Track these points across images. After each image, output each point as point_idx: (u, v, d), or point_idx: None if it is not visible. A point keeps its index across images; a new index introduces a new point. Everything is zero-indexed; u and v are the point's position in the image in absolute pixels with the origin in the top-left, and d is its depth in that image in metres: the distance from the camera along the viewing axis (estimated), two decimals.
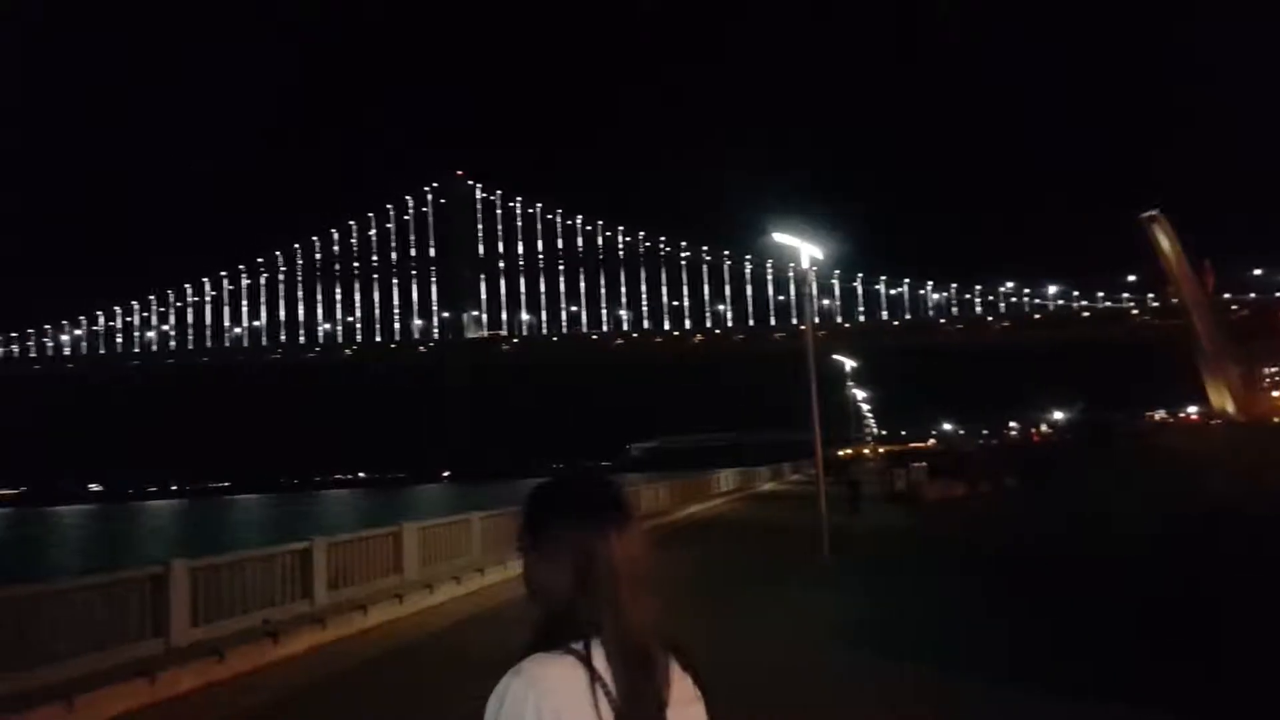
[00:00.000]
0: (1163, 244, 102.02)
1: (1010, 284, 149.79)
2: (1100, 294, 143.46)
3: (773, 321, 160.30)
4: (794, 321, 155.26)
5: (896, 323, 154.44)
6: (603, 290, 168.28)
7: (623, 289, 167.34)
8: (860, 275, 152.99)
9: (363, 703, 8.34)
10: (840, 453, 69.73)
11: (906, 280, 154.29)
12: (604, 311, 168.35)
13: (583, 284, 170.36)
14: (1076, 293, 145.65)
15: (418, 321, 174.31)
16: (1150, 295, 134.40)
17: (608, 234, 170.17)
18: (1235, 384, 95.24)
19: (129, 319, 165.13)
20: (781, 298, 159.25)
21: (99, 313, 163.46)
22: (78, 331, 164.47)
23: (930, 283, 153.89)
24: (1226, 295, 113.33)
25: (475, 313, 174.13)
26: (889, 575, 15.24)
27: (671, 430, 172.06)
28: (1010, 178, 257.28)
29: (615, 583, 1.50)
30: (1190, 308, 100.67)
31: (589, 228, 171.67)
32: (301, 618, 11.07)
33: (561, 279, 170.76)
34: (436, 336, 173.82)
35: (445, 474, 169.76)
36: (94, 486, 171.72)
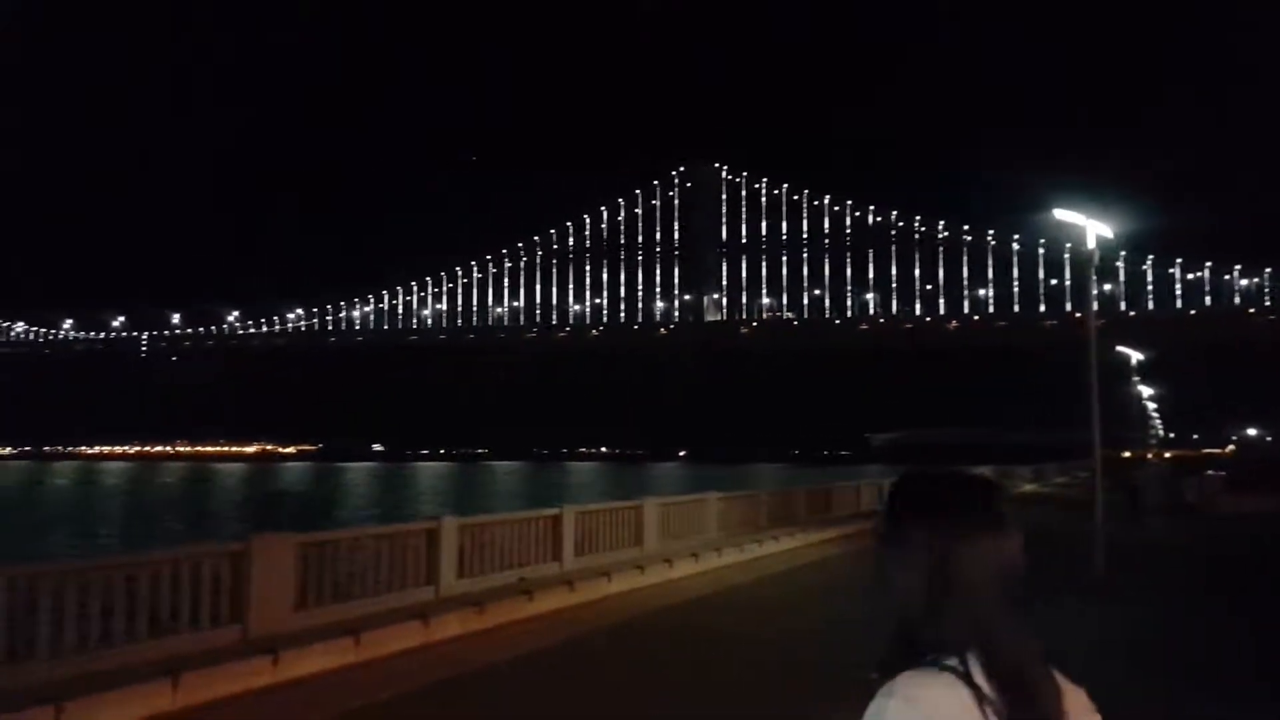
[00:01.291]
0: None
1: None
2: None
3: (1041, 308, 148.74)
4: (1068, 308, 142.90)
5: (1194, 312, 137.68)
6: (848, 273, 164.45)
7: (870, 272, 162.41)
8: (1150, 257, 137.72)
9: (605, 666, 8.74)
10: (1122, 455, 63.45)
11: (1208, 264, 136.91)
12: (849, 295, 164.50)
13: (828, 267, 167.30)
14: None
15: (660, 304, 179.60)
16: None
17: (856, 215, 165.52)
18: None
19: (408, 298, 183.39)
20: (1054, 281, 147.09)
21: (384, 291, 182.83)
22: (366, 309, 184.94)
23: (1238, 267, 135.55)
24: None
25: (715, 296, 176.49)
26: (1170, 595, 13.70)
27: (916, 423, 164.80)
28: None
29: (980, 593, 1.36)
30: None
31: (836, 208, 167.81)
32: (551, 579, 11.79)
33: (805, 262, 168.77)
34: (677, 319, 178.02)
35: (681, 453, 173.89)
36: (376, 447, 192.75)
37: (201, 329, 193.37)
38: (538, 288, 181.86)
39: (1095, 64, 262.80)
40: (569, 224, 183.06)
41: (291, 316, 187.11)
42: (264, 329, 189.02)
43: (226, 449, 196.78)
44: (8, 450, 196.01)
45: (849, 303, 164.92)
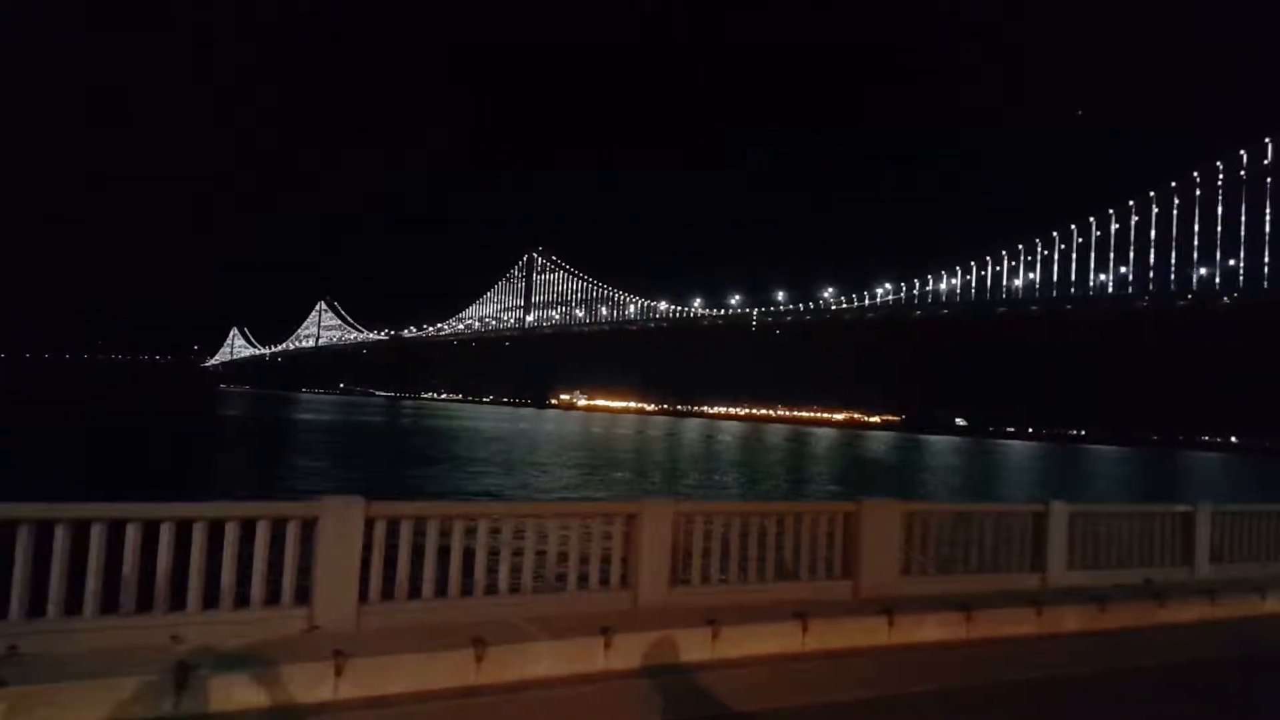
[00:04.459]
0: None
1: None
2: None
3: None
4: None
5: None
6: None
7: None
8: None
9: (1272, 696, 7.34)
10: None
11: None
12: None
13: None
14: None
15: None
16: None
17: None
18: None
19: (998, 268, 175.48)
20: None
21: (973, 262, 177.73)
22: (953, 281, 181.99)
23: None
24: None
25: None
26: None
27: None
28: None
29: None
30: None
31: None
32: (1183, 586, 10.29)
33: None
34: None
35: None
36: (960, 421, 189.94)
37: (800, 305, 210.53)
38: (1151, 252, 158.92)
39: None
40: (1173, 183, 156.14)
41: (880, 291, 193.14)
42: (855, 304, 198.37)
43: (818, 414, 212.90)
44: (652, 407, 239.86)
45: None
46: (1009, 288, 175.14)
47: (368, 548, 6.68)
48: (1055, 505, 10.16)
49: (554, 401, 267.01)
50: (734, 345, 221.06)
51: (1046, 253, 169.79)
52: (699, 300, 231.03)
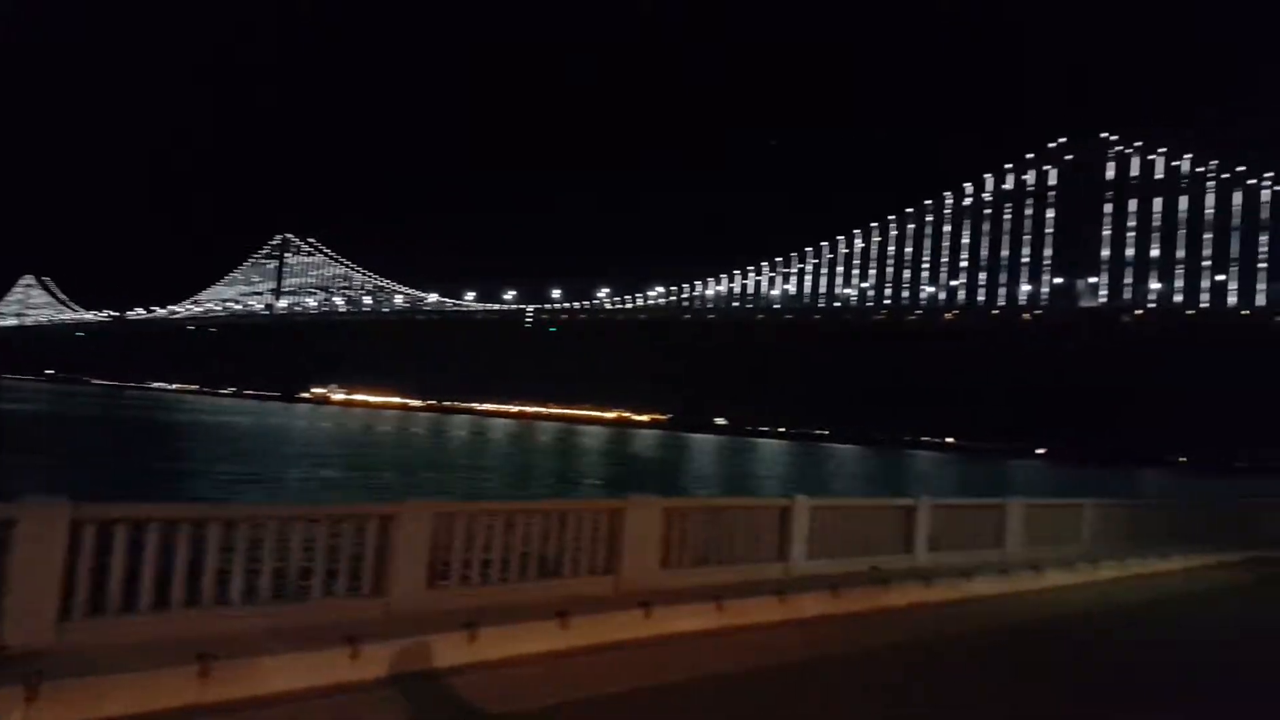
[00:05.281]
0: None
1: None
2: None
3: None
4: None
5: None
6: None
7: None
8: None
9: (990, 668, 8.25)
10: None
11: None
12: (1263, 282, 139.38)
13: (1236, 251, 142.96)
14: None
15: (1025, 287, 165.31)
16: None
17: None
18: None
19: (758, 278, 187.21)
20: None
21: (736, 271, 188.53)
22: (719, 288, 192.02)
23: None
24: None
25: (1092, 280, 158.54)
26: None
27: None
28: None
29: None
30: None
31: (1253, 182, 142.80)
32: (905, 572, 11.36)
33: (1208, 245, 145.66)
34: (1045, 303, 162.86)
35: (1040, 451, 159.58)
36: (719, 421, 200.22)
37: (575, 304, 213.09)
38: (888, 268, 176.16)
39: None
40: (927, 201, 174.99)
41: (653, 294, 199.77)
42: (628, 304, 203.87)
43: (589, 413, 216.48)
44: (417, 403, 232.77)
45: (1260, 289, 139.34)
46: (767, 296, 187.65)
47: (76, 555, 5.88)
48: (799, 500, 10.88)
49: (307, 395, 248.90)
50: (507, 342, 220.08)
51: (803, 266, 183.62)
52: (472, 294, 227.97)
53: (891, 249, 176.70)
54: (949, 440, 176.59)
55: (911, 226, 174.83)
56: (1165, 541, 16.54)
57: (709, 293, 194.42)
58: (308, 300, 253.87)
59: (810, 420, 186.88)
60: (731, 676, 7.17)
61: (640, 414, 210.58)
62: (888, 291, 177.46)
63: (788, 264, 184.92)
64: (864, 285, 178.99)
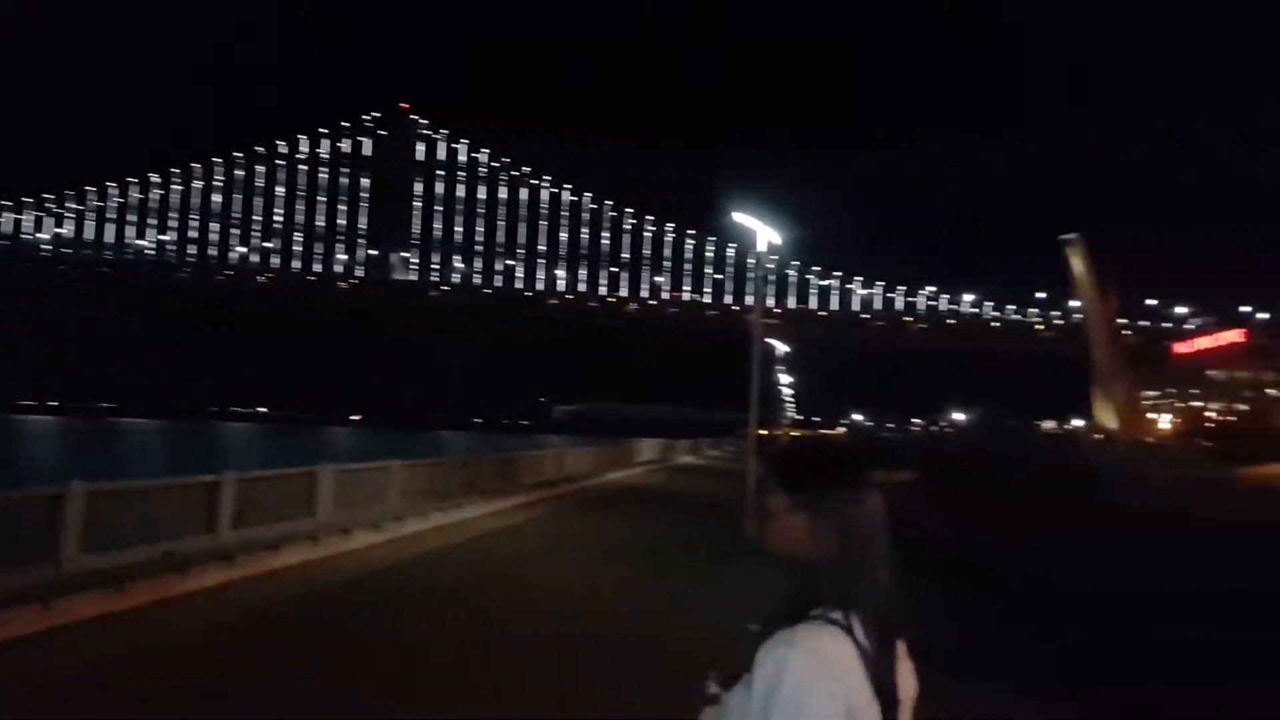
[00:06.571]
0: (1076, 266, 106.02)
1: (931, 289, 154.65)
2: (1011, 308, 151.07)
3: (708, 299, 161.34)
4: (726, 301, 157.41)
5: (824, 313, 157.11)
6: (542, 249, 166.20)
7: (562, 250, 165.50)
8: (795, 263, 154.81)
9: (287, 640, 7.87)
10: (760, 433, 70.89)
11: (838, 273, 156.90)
12: (540, 271, 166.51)
13: (522, 239, 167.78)
14: (991, 304, 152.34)
15: (342, 256, 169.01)
16: (1056, 313, 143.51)
17: (554, 191, 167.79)
18: (1120, 404, 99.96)
19: (20, 217, 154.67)
20: (719, 276, 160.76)
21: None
22: None
23: (859, 279, 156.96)
24: (1123, 321, 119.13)
25: (405, 255, 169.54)
26: None
27: (595, 397, 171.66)
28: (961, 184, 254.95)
29: (872, 549, 1.52)
30: (1091, 328, 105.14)
31: (535, 182, 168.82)
32: (207, 553, 10.37)
33: (501, 232, 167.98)
34: (361, 274, 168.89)
35: (355, 418, 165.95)
36: None
37: None
38: (196, 220, 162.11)
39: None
40: (239, 154, 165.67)
41: None
42: None
43: None
44: None
45: (541, 276, 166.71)
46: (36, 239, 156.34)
47: None
48: (74, 486, 9.12)
49: None
50: None
51: (81, 208, 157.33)
52: None
53: (196, 202, 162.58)
54: (262, 410, 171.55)
55: (221, 181, 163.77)
56: (464, 494, 18.42)
57: None
58: None
59: (92, 392, 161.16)
60: None
61: None
62: (191, 250, 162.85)
63: (61, 206, 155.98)
64: (163, 239, 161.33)
